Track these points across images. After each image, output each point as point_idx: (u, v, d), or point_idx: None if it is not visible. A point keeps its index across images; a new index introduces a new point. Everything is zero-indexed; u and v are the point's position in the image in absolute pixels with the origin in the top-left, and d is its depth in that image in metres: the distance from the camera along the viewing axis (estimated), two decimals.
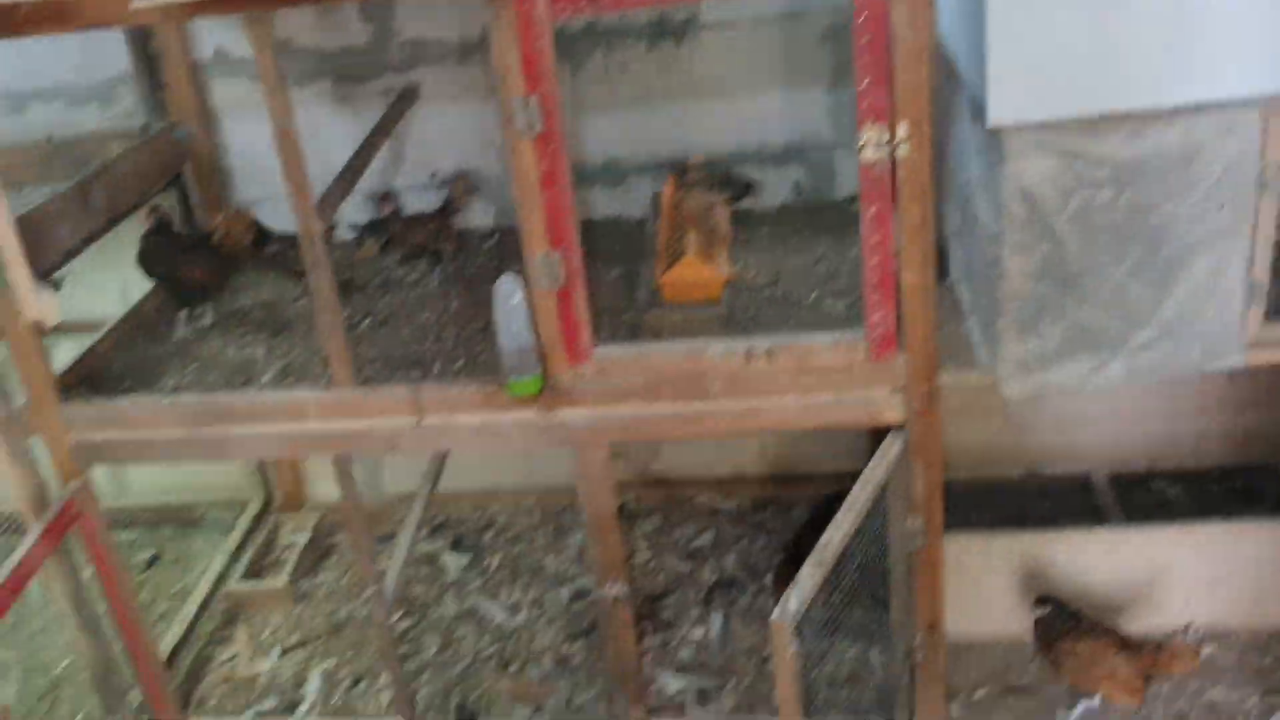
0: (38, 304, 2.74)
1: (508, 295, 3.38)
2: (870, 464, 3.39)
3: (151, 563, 5.55)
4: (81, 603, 4.18)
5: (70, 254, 3.96)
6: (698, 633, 4.59)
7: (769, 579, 4.79)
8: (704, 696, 4.29)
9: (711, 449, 5.33)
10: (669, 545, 5.11)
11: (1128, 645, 3.90)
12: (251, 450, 3.93)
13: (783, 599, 2.97)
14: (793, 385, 3.44)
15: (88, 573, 4.13)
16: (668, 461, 5.41)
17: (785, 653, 2.94)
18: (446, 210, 4.60)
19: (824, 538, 3.15)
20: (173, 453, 3.83)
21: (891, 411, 3.45)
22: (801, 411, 3.47)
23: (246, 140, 4.89)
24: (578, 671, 4.49)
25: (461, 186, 4.70)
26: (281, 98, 3.27)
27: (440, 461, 4.83)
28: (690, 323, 3.68)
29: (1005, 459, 5.02)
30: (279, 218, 4.78)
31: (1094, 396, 4.81)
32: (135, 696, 4.40)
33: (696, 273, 3.66)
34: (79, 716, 4.60)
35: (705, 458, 5.36)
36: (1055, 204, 3.37)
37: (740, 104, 4.63)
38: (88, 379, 4.03)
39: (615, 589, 3.84)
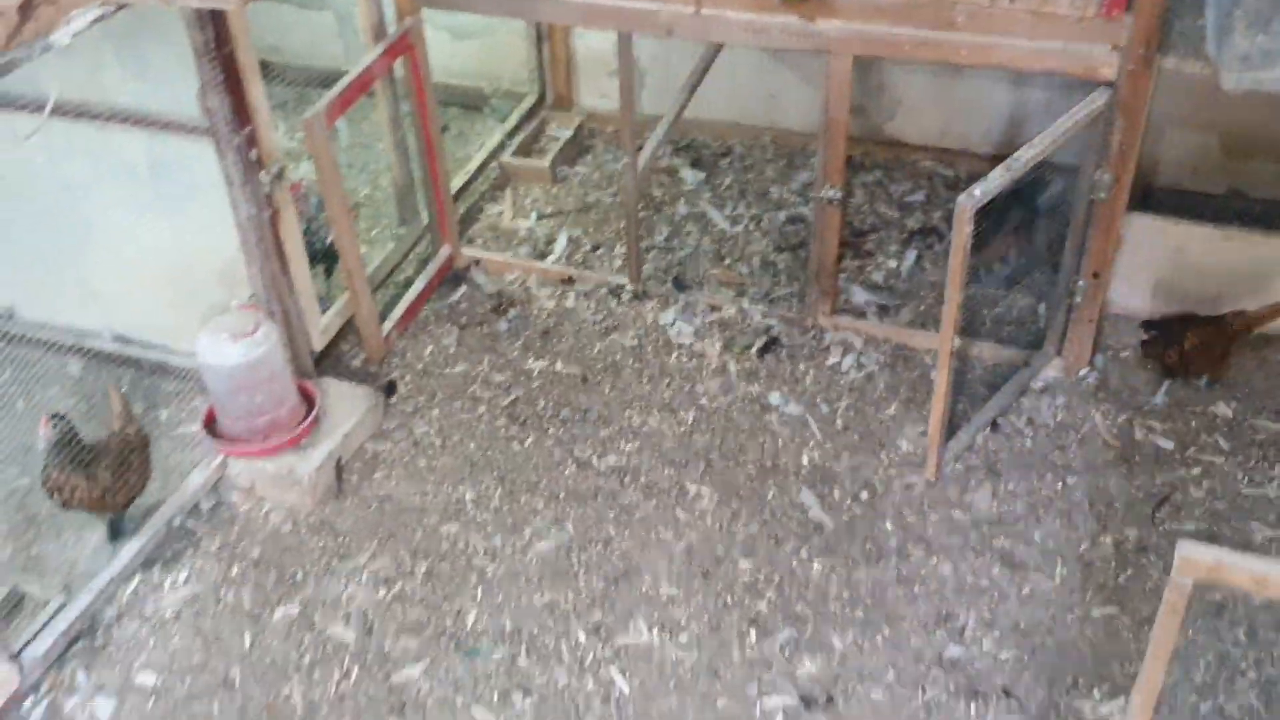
0: None
1: None
2: (1074, 109, 3.87)
3: (441, 132, 6.47)
4: (396, 126, 5.12)
5: None
6: (890, 264, 5.23)
7: None
8: (884, 311, 4.98)
9: (941, 120, 5.80)
10: (883, 195, 5.70)
11: (1222, 322, 4.44)
12: (555, 15, 4.63)
13: (969, 189, 3.57)
14: (1028, 28, 3.89)
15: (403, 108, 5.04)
16: (900, 126, 5.92)
17: (963, 230, 3.56)
18: None
19: (1018, 153, 3.70)
20: (491, 6, 4.60)
21: (1107, 68, 3.88)
22: (1030, 54, 3.93)
23: None
24: (780, 274, 5.23)
25: None
26: None
27: (694, 82, 5.47)
28: None
29: (1212, 175, 5.32)
30: None
31: None
32: (425, 216, 5.40)
33: None
34: (375, 230, 5.64)
35: (934, 128, 5.84)
36: None
37: None
38: None
39: (832, 192, 4.50)
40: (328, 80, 6.71)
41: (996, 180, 3.61)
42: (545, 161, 6.05)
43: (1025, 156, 3.69)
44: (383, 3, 4.79)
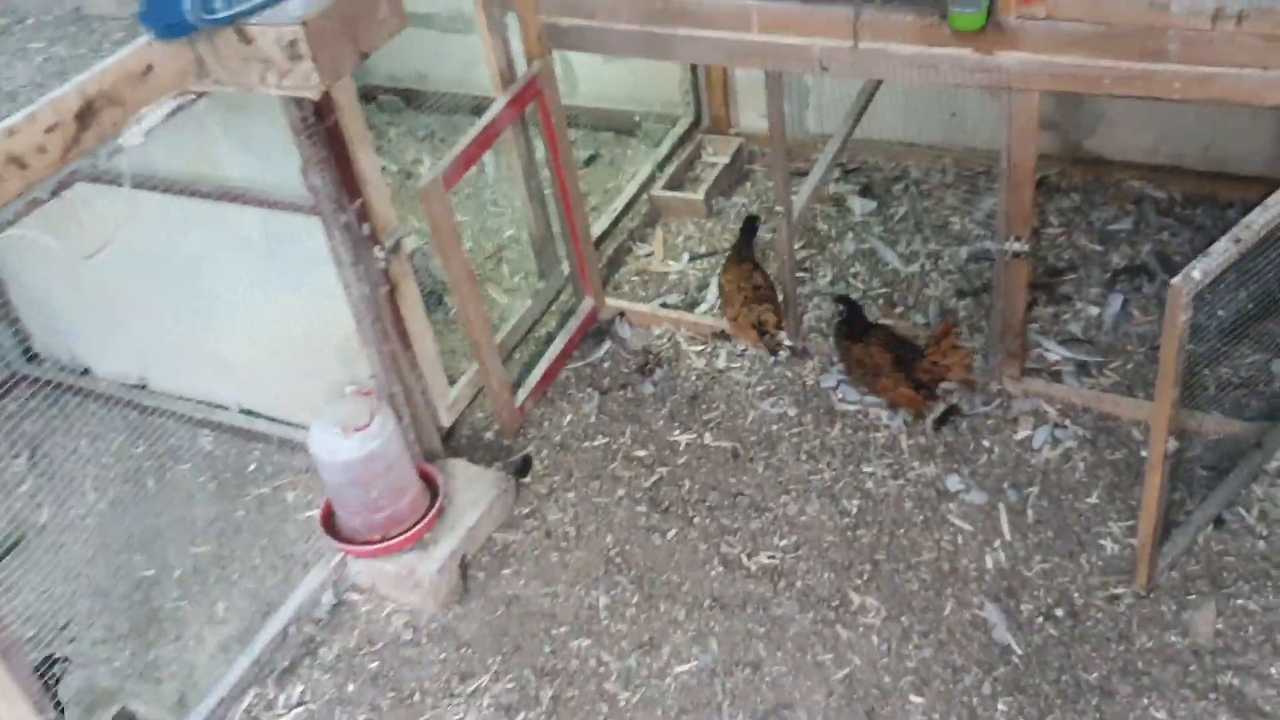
0: None
1: None
2: None
3: (589, 161, 6.08)
4: (531, 175, 4.73)
5: None
6: (1092, 311, 4.53)
7: None
8: (1083, 370, 4.30)
9: (1151, 134, 5.03)
10: (1083, 224, 4.98)
11: (903, 356, 4.12)
12: (693, 54, 4.16)
13: (1187, 268, 2.91)
14: (1259, 57, 3.18)
15: (539, 153, 4.63)
16: (1101, 141, 5.17)
17: (1177, 319, 2.91)
18: None
19: (1248, 218, 3.01)
20: (625, 46, 4.13)
21: None
22: (1262, 87, 3.22)
23: None
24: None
25: None
26: None
27: (865, 101, 4.89)
28: None
29: None
30: None
31: None
32: (566, 266, 5.00)
33: None
34: (518, 277, 5.27)
35: (1143, 143, 5.07)
36: None
37: None
38: None
39: (1017, 245, 3.87)
40: (479, 108, 6.45)
41: (1219, 255, 2.93)
42: (699, 194, 5.56)
43: (1257, 223, 2.99)
44: (510, 44, 4.38)
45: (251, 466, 4.51)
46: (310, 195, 3.63)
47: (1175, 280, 2.88)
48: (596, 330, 4.93)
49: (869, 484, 4.03)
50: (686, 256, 5.33)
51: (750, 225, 4.77)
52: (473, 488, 4.12)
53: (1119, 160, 5.17)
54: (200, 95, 3.07)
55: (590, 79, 6.06)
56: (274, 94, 2.96)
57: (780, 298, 4.62)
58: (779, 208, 4.32)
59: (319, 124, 3.49)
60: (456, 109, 6.54)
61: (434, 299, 4.91)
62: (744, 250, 4.72)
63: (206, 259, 4.23)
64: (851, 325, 4.33)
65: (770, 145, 4.20)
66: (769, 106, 4.09)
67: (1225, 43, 3.20)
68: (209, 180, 3.94)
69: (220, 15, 2.81)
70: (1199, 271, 2.87)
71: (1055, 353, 4.39)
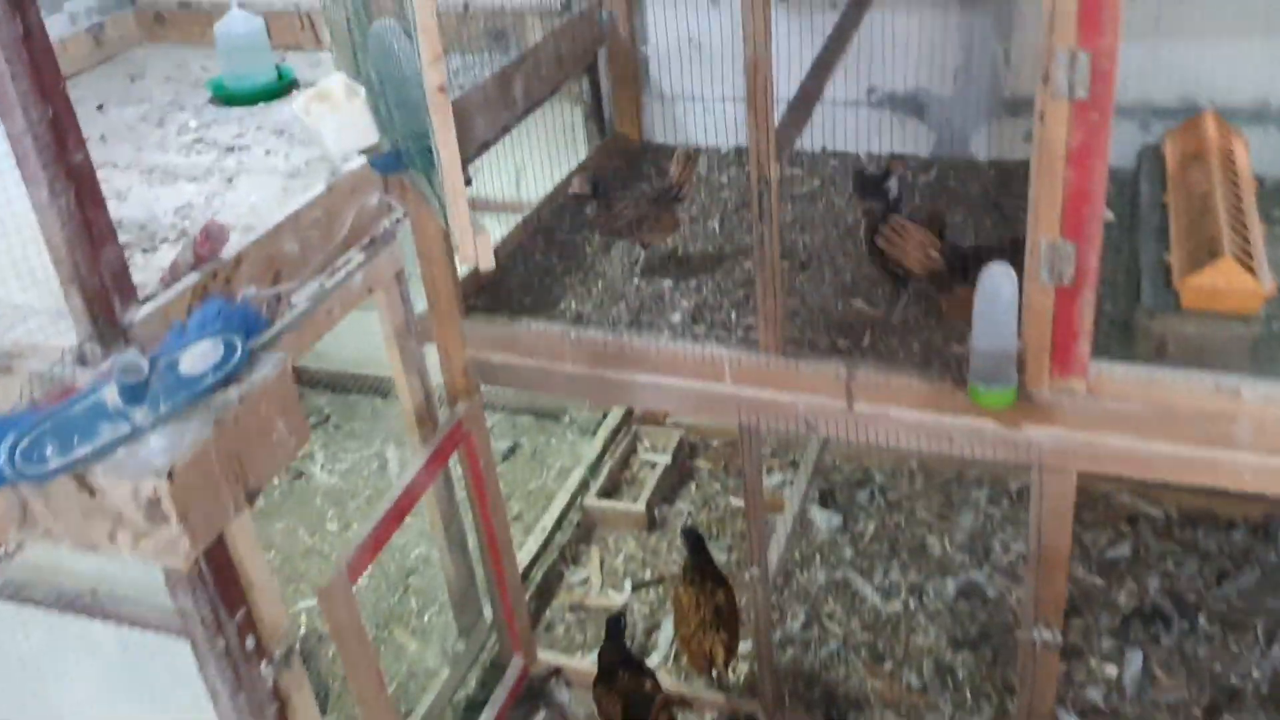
0: (475, 247, 2.37)
1: (996, 288, 2.74)
2: None
3: (509, 454, 5.39)
4: (451, 522, 3.99)
5: (484, 146, 3.66)
6: (1109, 671, 3.91)
7: (1202, 619, 4.04)
8: None
9: None
10: (1076, 550, 4.40)
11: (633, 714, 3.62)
12: (652, 401, 3.55)
13: None
14: None
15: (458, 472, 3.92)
16: None
17: None
18: (662, 198, 3.72)
19: None
20: (571, 388, 3.48)
21: None
22: None
23: (665, 30, 4.40)
24: (962, 687, 3.94)
25: (686, 162, 3.74)
26: (760, 13, 2.71)
27: None
28: (1210, 340, 2.93)
29: None
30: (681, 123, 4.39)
31: None
32: (488, 615, 4.24)
33: (1234, 280, 2.88)
34: (430, 613, 4.48)
35: None
36: None
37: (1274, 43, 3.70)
38: (486, 288, 3.73)
39: (1048, 634, 3.24)
40: (381, 388, 5.72)
41: None
42: (639, 503, 4.88)
43: None
44: (429, 379, 3.71)
45: None
46: (178, 618, 2.84)
47: None
48: (529, 693, 4.14)
49: None
50: (629, 585, 4.60)
51: (693, 538, 3.99)
52: None
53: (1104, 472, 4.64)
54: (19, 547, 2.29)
55: None
56: (126, 558, 2.20)
57: (755, 649, 3.92)
58: (754, 569, 3.64)
59: None
60: (360, 390, 5.87)
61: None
62: (703, 564, 3.95)
63: (44, 661, 3.37)
64: (605, 653, 3.75)
65: (746, 504, 3.54)
66: (744, 462, 3.45)
67: None
68: (49, 578, 3.11)
69: (52, 466, 2.06)
70: None
71: None
